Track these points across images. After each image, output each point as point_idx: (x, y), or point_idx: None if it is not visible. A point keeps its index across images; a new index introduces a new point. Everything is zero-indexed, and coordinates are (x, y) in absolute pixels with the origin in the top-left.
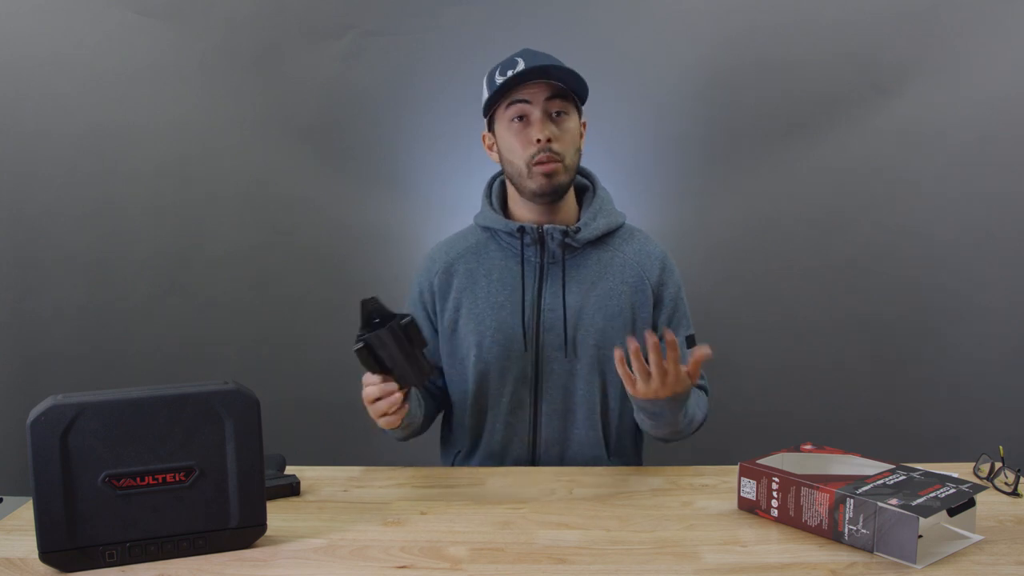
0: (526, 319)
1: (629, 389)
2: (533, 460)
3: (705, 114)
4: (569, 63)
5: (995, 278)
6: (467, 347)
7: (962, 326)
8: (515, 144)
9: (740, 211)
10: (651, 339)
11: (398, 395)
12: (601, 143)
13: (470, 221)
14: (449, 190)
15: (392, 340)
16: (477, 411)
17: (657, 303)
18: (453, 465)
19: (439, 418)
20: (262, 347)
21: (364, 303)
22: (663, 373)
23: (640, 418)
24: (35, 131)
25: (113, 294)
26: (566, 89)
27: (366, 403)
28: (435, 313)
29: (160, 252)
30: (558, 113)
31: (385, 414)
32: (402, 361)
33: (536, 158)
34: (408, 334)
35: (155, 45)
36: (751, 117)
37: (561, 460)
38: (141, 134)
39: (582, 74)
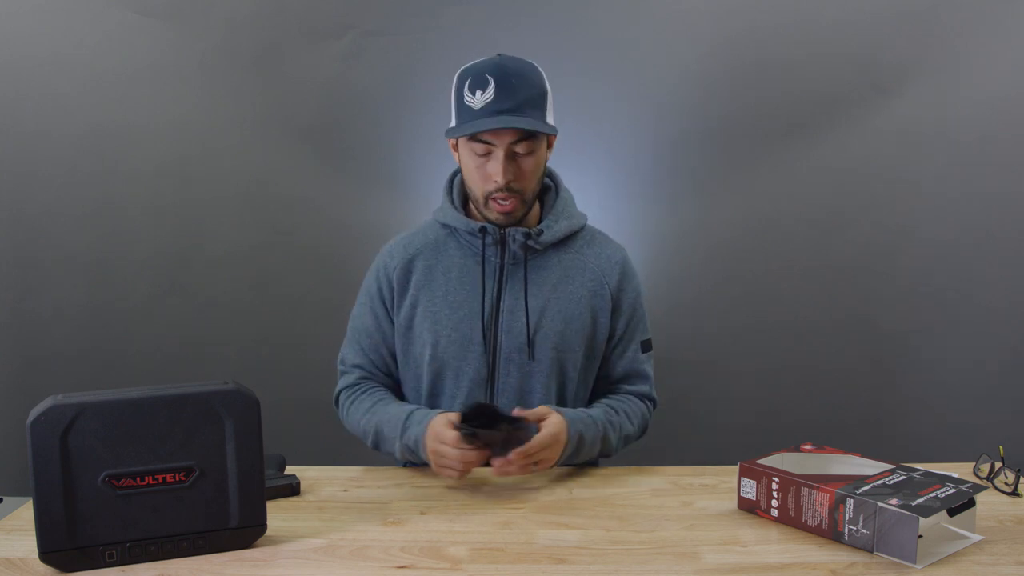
0: (485, 320)
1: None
2: (487, 462)
3: (705, 114)
4: (569, 63)
5: (995, 278)
6: (422, 345)
7: (962, 326)
8: (475, 175)
9: (740, 211)
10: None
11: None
12: (601, 143)
13: None
14: None
15: (500, 439)
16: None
17: (615, 308)
18: (405, 466)
19: None
20: (262, 347)
21: (481, 405)
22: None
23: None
24: (35, 131)
25: (113, 294)
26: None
27: (440, 456)
28: (393, 308)
29: (160, 252)
30: (522, 152)
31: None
32: (498, 445)
33: (493, 195)
34: (520, 439)
35: (155, 45)
36: (751, 117)
37: None
38: (141, 134)
39: (581, 74)
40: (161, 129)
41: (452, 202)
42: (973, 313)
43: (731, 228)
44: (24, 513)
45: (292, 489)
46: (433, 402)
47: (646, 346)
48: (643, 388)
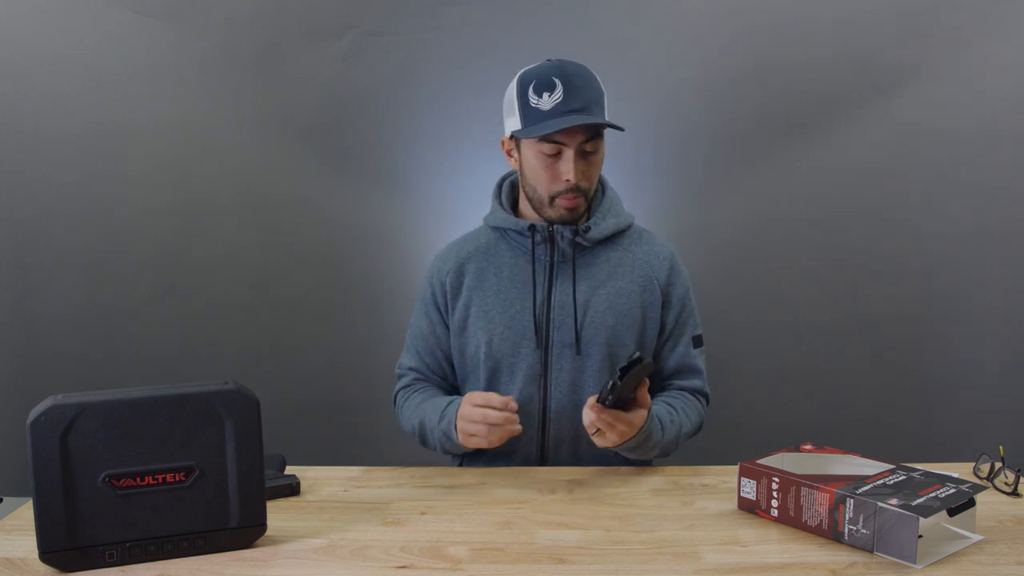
0: (536, 315)
1: (596, 441)
2: (542, 458)
3: (705, 114)
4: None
5: (995, 278)
6: (476, 344)
7: (962, 326)
8: (543, 176)
9: (740, 211)
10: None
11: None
12: None
13: (470, 220)
14: (449, 190)
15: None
16: None
17: (665, 303)
18: (461, 465)
19: None
20: (262, 347)
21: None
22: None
23: (621, 454)
24: (35, 131)
25: (113, 294)
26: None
27: (478, 415)
28: (447, 312)
29: (160, 252)
30: (590, 150)
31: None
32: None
33: (563, 195)
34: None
35: (155, 45)
36: (751, 117)
37: (569, 458)
38: (141, 134)
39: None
40: (161, 129)
41: (501, 205)
42: (973, 313)
43: (731, 228)
44: (24, 513)
45: (292, 489)
46: None
47: (697, 341)
48: (695, 383)
